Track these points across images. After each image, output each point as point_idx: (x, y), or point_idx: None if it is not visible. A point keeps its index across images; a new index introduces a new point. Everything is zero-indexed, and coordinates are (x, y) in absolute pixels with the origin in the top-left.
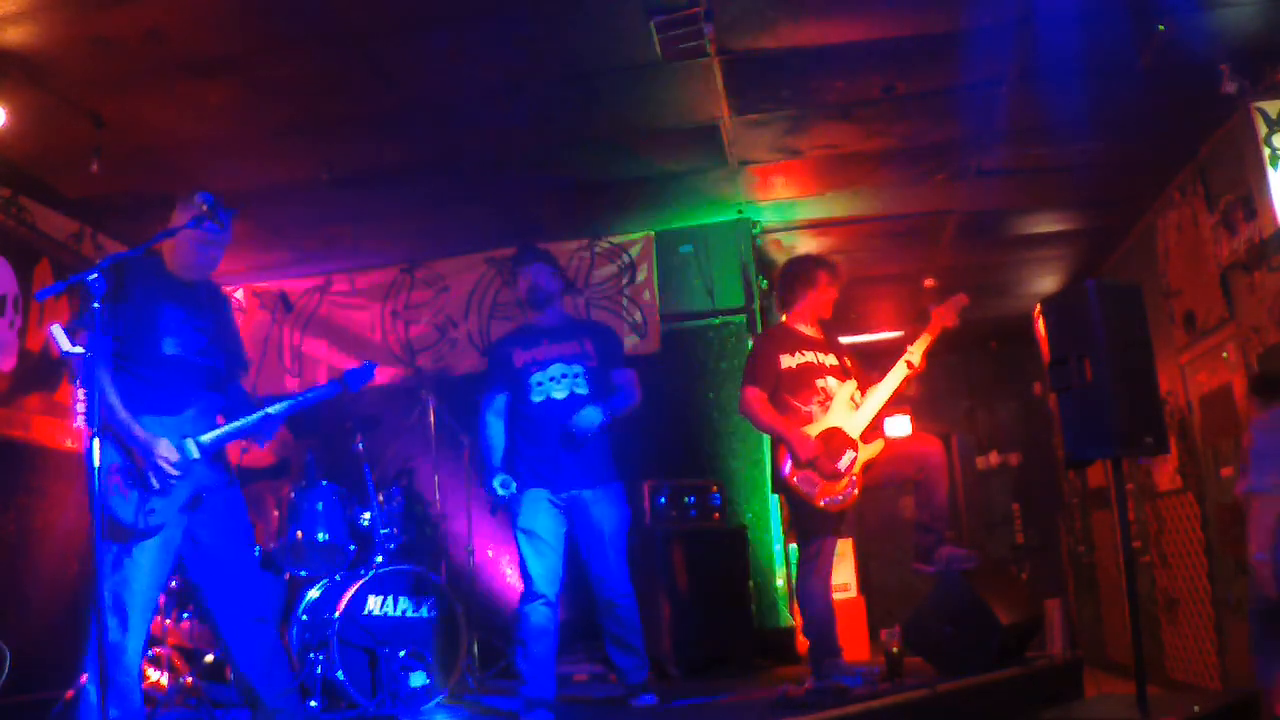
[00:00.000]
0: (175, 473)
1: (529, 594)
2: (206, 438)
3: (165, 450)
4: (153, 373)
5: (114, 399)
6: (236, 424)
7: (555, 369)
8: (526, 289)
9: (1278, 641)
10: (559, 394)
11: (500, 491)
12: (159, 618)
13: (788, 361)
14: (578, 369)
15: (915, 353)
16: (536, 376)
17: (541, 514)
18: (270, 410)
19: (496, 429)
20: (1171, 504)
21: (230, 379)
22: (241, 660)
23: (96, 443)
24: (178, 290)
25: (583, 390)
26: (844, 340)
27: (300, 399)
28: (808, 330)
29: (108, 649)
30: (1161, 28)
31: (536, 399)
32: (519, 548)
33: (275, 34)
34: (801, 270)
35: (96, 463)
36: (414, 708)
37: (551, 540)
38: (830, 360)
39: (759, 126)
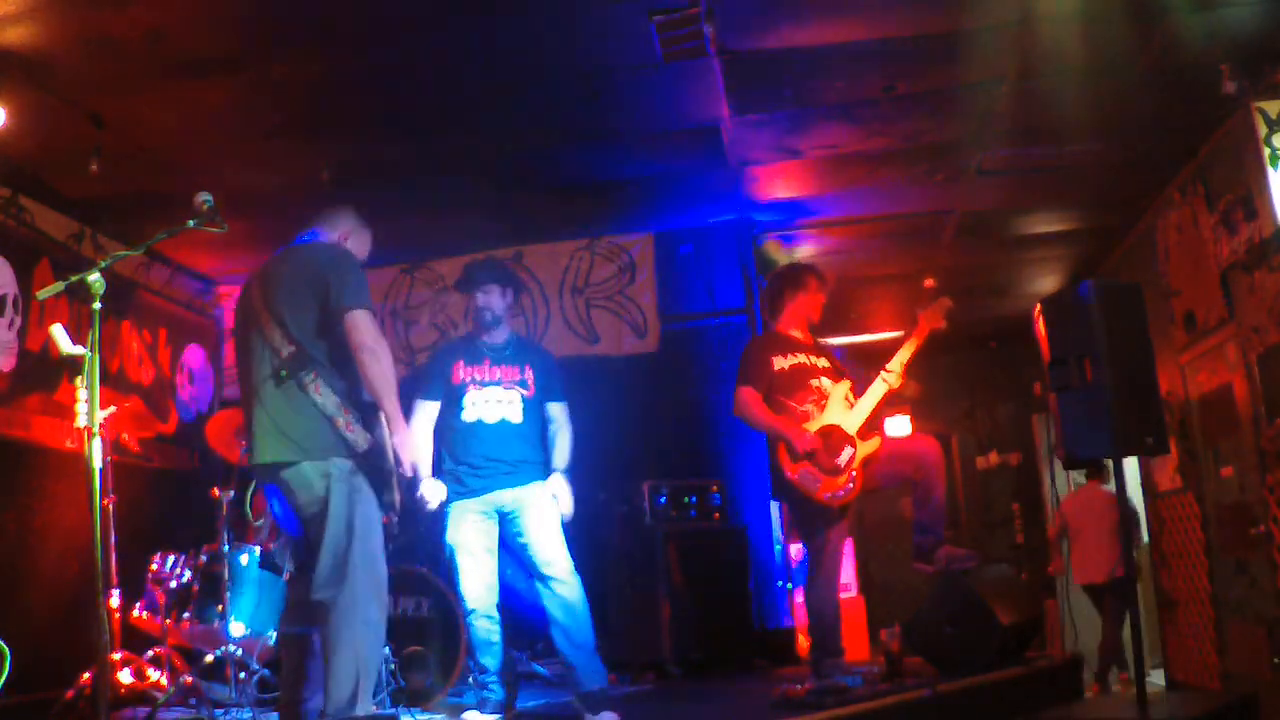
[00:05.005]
0: None
1: (466, 609)
2: None
3: None
4: None
5: None
6: None
7: (492, 391)
8: (476, 310)
9: None
10: (490, 417)
11: (430, 505)
12: (159, 617)
13: (780, 363)
14: (514, 395)
15: (894, 371)
16: (472, 396)
17: (469, 525)
18: None
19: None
20: (1172, 504)
21: None
22: None
23: (97, 442)
24: None
25: (515, 418)
26: (841, 341)
27: None
28: (797, 334)
29: None
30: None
31: (467, 418)
32: (450, 561)
33: (274, 34)
34: (789, 276)
35: (97, 463)
36: (414, 707)
37: (481, 551)
38: (822, 362)
39: (759, 126)
